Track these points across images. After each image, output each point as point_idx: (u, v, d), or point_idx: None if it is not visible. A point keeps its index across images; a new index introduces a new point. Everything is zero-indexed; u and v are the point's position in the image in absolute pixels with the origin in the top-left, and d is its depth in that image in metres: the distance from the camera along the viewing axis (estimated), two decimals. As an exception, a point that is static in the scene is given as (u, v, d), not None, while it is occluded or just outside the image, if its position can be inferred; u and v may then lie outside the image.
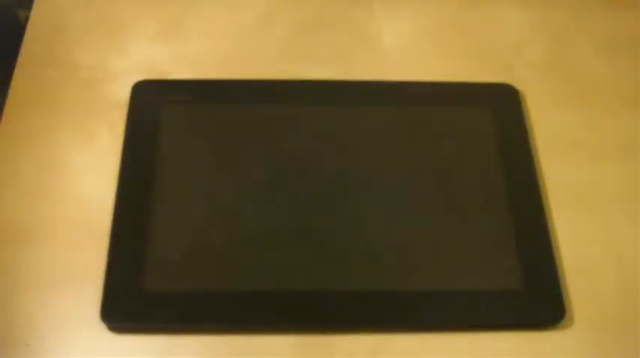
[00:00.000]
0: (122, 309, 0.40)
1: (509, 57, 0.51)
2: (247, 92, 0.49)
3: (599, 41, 0.52)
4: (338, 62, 0.51)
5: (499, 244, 0.43)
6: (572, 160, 0.46)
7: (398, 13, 0.54)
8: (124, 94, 0.48)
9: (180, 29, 0.52)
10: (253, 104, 0.48)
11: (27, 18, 0.52)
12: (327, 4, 0.54)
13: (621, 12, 0.54)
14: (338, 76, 0.49)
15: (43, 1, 0.53)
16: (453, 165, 0.45)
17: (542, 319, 0.40)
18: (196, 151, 0.46)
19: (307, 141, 0.47)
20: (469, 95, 0.49)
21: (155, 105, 0.47)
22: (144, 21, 0.52)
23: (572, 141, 0.47)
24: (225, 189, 0.44)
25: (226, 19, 0.53)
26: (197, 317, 0.40)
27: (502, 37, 0.52)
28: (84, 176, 0.45)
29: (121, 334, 0.39)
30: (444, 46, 0.52)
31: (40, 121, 0.47)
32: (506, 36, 0.52)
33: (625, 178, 0.46)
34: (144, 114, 0.47)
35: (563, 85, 0.50)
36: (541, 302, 0.41)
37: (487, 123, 0.47)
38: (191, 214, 0.43)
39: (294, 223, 0.43)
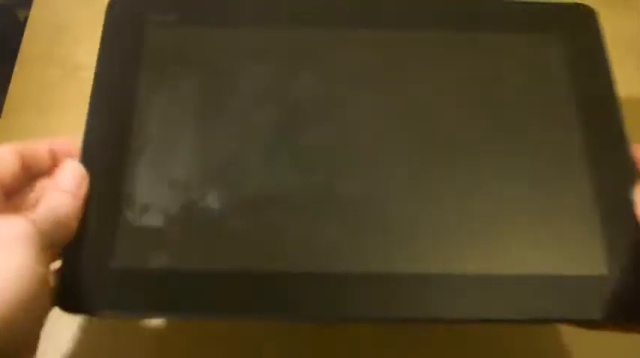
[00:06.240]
0: (81, 292, 0.31)
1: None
2: (253, 11, 0.38)
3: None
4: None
5: (576, 216, 0.33)
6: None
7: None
8: (123, 93, 0.48)
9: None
10: (260, 27, 0.38)
11: (26, 17, 0.52)
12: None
13: (622, 11, 0.54)
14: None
15: (42, 1, 0.53)
16: (516, 111, 0.36)
17: (629, 312, 0.32)
18: (187, 87, 0.36)
19: (329, 75, 0.37)
20: (535, 18, 0.38)
21: (134, 28, 0.37)
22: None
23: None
24: (222, 137, 0.35)
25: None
26: (179, 305, 0.31)
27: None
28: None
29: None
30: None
31: (39, 121, 0.47)
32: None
33: None
34: (120, 39, 0.37)
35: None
36: (628, 292, 0.32)
37: (558, 54, 0.37)
38: (178, 168, 0.34)
39: (308, 182, 0.34)
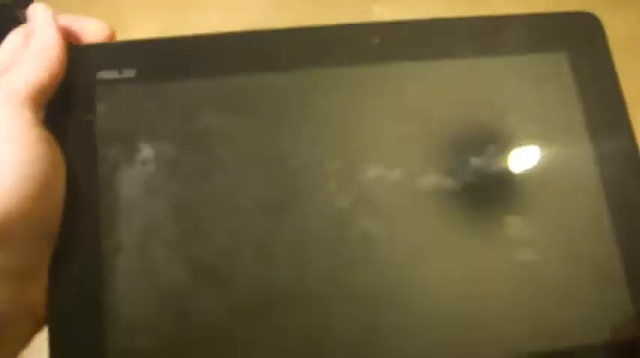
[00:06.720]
0: None
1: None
2: (226, 53, 0.30)
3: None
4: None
5: (604, 276, 0.29)
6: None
7: (398, 15, 0.54)
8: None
9: (181, 31, 0.52)
10: (237, 75, 0.30)
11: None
12: (327, 5, 0.54)
13: (621, 12, 0.54)
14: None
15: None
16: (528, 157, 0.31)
17: None
18: (157, 159, 0.29)
19: (329, 132, 0.29)
20: (540, 33, 0.33)
21: (84, 90, 0.29)
22: (144, 22, 0.52)
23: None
24: (206, 222, 0.28)
25: (227, 21, 0.53)
26: None
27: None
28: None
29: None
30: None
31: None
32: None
33: None
34: (69, 106, 0.29)
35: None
36: None
37: (567, 74, 0.32)
38: (155, 265, 0.27)
39: (317, 274, 0.28)
